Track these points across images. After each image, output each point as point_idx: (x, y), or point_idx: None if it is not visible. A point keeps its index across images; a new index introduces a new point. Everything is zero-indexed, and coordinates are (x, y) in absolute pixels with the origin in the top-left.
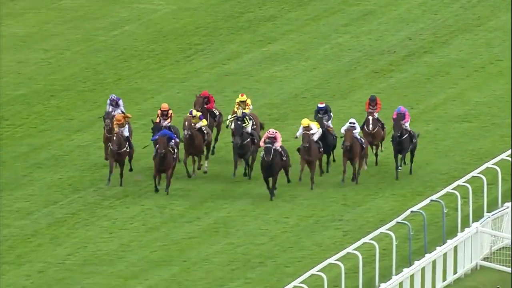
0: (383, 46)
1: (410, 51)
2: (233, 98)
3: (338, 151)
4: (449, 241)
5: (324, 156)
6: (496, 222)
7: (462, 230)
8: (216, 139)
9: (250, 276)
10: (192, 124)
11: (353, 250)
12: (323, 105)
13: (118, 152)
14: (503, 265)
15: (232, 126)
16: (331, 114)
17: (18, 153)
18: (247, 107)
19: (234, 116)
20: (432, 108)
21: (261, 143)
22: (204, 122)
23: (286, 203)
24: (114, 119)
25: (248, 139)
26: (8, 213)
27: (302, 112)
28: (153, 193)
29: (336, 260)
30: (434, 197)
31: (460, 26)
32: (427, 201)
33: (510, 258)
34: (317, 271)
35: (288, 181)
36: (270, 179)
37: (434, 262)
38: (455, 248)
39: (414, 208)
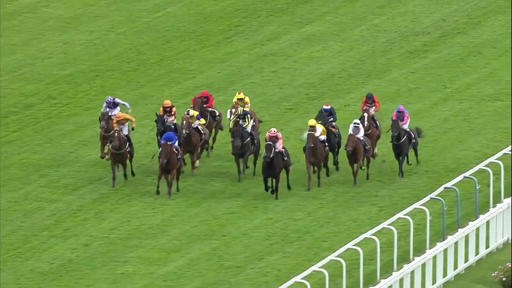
0: (418, 27)
1: (444, 32)
2: (271, 79)
3: (343, 152)
4: (481, 216)
5: (330, 156)
6: None
7: (494, 206)
8: (214, 139)
9: (288, 250)
10: (189, 119)
11: (388, 225)
12: (328, 106)
13: (119, 153)
14: None
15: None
16: (336, 116)
17: (65, 131)
18: (246, 105)
19: (236, 115)
20: (465, 88)
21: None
22: (202, 121)
23: (323, 179)
24: (115, 116)
25: (248, 139)
26: (56, 189)
27: (338, 92)
28: (194, 170)
29: (371, 235)
30: (467, 173)
31: (492, 8)
32: (460, 177)
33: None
34: (353, 245)
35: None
36: (269, 179)
37: (467, 237)
38: (487, 223)
39: (448, 184)
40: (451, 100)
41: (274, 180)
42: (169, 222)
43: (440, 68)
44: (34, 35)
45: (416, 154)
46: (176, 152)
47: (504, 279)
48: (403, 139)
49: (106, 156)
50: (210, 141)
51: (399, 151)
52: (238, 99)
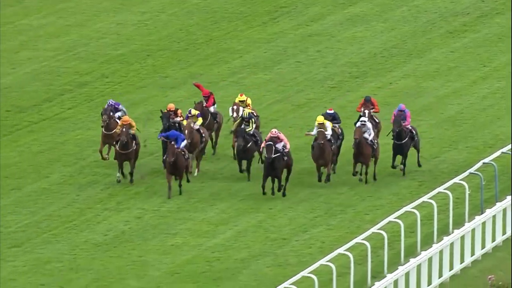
0: (457, 8)
1: (482, 13)
2: (316, 58)
3: (345, 153)
4: None
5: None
6: None
7: None
8: (215, 143)
9: (332, 222)
10: (192, 125)
11: (428, 199)
12: (332, 111)
13: (126, 153)
14: None
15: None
16: (340, 120)
17: None
18: (247, 107)
19: (241, 117)
20: (503, 66)
21: (263, 144)
22: (199, 121)
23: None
24: (121, 120)
25: (251, 142)
26: (109, 164)
27: (380, 70)
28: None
29: (412, 208)
30: (504, 149)
31: None
32: (498, 153)
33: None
34: (394, 218)
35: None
36: (270, 180)
37: (504, 210)
38: None
39: (486, 160)
40: (489, 78)
41: (276, 180)
42: (217, 196)
43: (479, 48)
44: (89, 16)
45: (418, 152)
46: (183, 152)
47: None
48: (405, 139)
49: (106, 157)
50: (210, 143)
51: (400, 152)
52: (240, 101)
